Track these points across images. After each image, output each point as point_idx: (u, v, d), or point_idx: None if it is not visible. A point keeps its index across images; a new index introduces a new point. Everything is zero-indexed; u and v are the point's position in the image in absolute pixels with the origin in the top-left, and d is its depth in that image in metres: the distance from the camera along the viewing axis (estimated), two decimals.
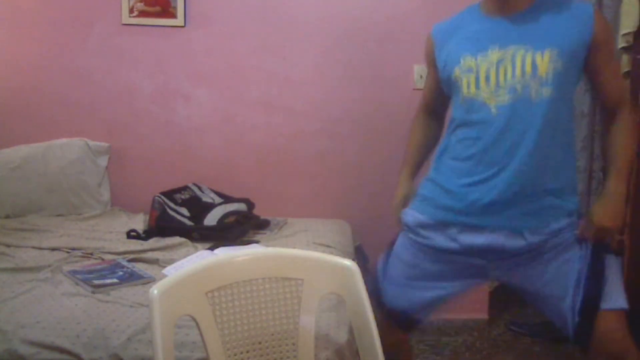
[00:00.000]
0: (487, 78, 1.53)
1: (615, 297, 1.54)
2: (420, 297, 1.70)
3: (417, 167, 1.86)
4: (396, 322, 1.75)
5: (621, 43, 2.34)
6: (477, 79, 1.55)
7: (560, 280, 1.57)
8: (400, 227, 1.76)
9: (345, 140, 2.88)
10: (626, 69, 2.39)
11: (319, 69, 2.84)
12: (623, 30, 2.31)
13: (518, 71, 1.50)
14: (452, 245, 1.62)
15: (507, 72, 1.51)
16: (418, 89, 2.80)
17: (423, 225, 1.66)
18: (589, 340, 1.54)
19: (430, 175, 1.71)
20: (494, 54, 1.53)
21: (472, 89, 1.56)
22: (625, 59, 2.40)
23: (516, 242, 1.56)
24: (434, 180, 1.68)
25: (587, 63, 1.54)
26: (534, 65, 1.49)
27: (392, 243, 1.78)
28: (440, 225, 1.63)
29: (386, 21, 2.80)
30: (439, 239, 1.63)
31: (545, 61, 1.49)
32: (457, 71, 1.58)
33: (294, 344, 1.42)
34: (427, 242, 1.66)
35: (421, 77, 2.80)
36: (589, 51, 1.52)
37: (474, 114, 1.57)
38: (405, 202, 1.78)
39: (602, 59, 1.54)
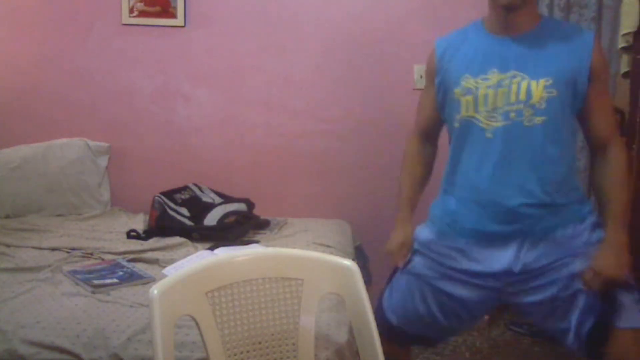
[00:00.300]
0: (485, 101, 1.53)
1: (632, 317, 1.49)
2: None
3: (415, 204, 1.78)
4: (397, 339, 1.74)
5: (621, 43, 2.34)
6: (475, 101, 1.55)
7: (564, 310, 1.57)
8: (399, 267, 1.72)
9: (345, 140, 2.88)
10: (626, 69, 2.39)
11: (319, 69, 2.84)
12: (623, 30, 2.31)
13: (513, 97, 1.50)
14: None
15: (503, 96, 1.51)
16: (418, 89, 2.80)
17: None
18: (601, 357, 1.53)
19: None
20: (493, 77, 1.53)
21: (471, 110, 1.55)
22: (625, 59, 2.40)
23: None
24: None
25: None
26: (528, 93, 1.49)
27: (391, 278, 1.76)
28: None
29: (386, 21, 2.79)
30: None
31: (539, 89, 1.49)
32: (457, 92, 1.58)
33: (294, 344, 1.42)
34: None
35: (421, 77, 2.80)
36: (587, 81, 1.50)
37: (470, 136, 1.57)
38: (403, 248, 1.71)
39: (595, 91, 1.51)
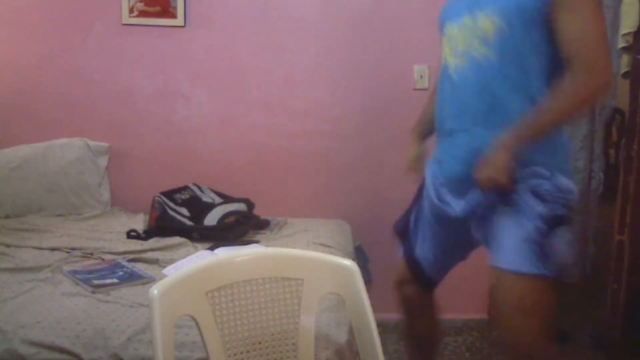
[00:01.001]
0: (452, 42, 1.59)
1: (513, 260, 1.47)
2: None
3: (428, 127, 1.83)
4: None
5: (621, 43, 2.34)
6: (448, 44, 1.62)
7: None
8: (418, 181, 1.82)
9: (345, 140, 2.88)
10: (626, 69, 2.39)
11: (319, 69, 2.84)
12: (623, 30, 2.31)
13: (471, 36, 1.53)
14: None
15: (465, 36, 1.55)
16: (418, 89, 2.81)
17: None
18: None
19: None
20: (464, 20, 1.56)
21: (445, 54, 1.63)
22: (625, 59, 2.40)
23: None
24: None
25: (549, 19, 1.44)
26: (482, 30, 1.50)
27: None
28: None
29: (386, 21, 2.80)
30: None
31: (489, 25, 1.49)
32: (443, 39, 1.66)
33: (294, 344, 1.42)
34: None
35: (421, 77, 2.80)
36: (546, 6, 1.43)
37: (443, 78, 1.64)
38: (417, 161, 1.83)
39: (561, 6, 1.42)
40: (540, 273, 1.47)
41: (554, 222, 1.48)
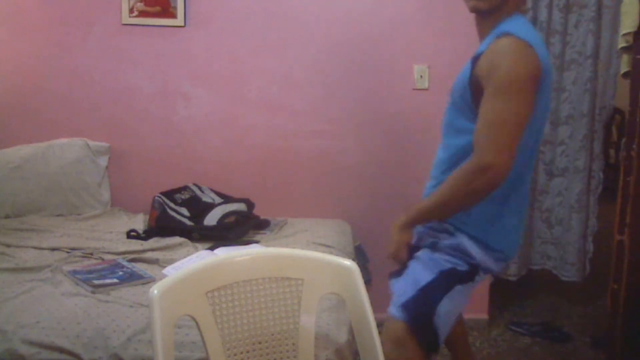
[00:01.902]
0: None
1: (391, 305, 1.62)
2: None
3: None
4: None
5: (621, 43, 2.34)
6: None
7: None
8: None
9: (345, 140, 2.88)
10: (626, 69, 2.39)
11: (319, 69, 2.84)
12: (623, 30, 2.31)
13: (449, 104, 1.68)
14: None
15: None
16: (418, 89, 2.81)
17: None
18: None
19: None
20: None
21: None
22: (625, 59, 2.40)
23: None
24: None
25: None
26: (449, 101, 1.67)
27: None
28: None
29: (386, 21, 2.80)
30: None
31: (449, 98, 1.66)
32: None
33: (294, 344, 1.42)
34: None
35: (421, 77, 2.80)
36: (468, 89, 1.53)
37: None
38: None
39: (483, 97, 1.48)
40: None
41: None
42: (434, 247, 1.63)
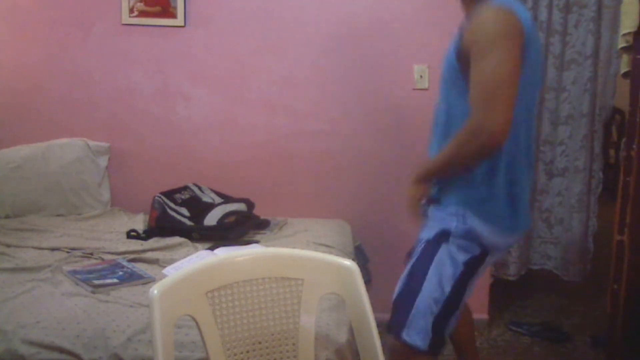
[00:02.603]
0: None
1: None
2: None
3: None
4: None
5: (621, 43, 2.34)
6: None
7: None
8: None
9: (345, 140, 2.88)
10: (626, 69, 2.39)
11: (319, 69, 2.84)
12: (623, 30, 2.31)
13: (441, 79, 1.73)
14: None
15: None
16: (418, 89, 2.81)
17: None
18: None
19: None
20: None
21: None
22: (625, 59, 2.40)
23: None
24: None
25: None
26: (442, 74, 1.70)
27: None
28: None
29: (386, 21, 2.80)
30: None
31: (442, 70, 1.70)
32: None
33: (294, 344, 1.42)
34: None
35: (421, 76, 2.80)
36: (456, 59, 1.56)
37: None
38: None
39: (472, 64, 1.51)
40: None
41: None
42: (445, 237, 1.62)
